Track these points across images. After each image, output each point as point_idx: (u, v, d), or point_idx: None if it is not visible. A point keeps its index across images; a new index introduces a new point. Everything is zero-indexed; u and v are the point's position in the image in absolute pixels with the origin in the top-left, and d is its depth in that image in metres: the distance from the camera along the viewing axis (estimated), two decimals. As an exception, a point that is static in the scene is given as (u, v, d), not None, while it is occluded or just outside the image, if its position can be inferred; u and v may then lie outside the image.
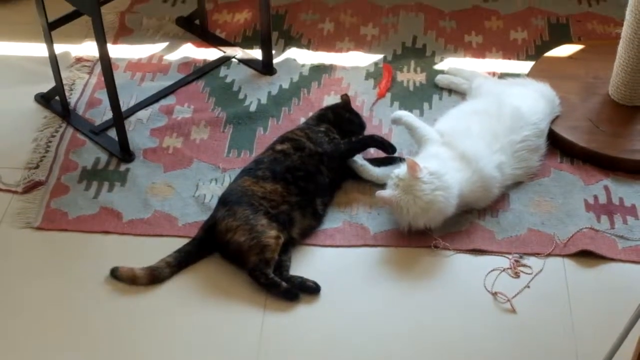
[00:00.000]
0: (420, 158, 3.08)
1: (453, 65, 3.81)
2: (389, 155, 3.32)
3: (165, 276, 2.95)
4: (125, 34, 4.10)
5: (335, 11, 4.19)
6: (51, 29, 3.37)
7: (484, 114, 3.26)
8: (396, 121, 3.36)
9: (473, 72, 3.70)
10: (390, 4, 4.23)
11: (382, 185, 3.13)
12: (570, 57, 3.76)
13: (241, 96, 3.70)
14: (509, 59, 3.89)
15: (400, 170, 3.04)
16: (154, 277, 2.93)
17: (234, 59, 3.91)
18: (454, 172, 3.04)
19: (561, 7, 4.17)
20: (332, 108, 3.44)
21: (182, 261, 2.97)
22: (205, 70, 3.84)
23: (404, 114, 3.33)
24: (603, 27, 4.05)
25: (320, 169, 3.15)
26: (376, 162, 3.31)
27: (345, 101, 3.44)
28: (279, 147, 3.22)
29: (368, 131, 3.43)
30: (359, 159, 3.27)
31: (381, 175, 3.22)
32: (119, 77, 3.65)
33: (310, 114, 3.49)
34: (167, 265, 2.95)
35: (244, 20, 4.15)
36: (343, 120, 3.38)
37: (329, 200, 3.18)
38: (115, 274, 2.93)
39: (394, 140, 3.39)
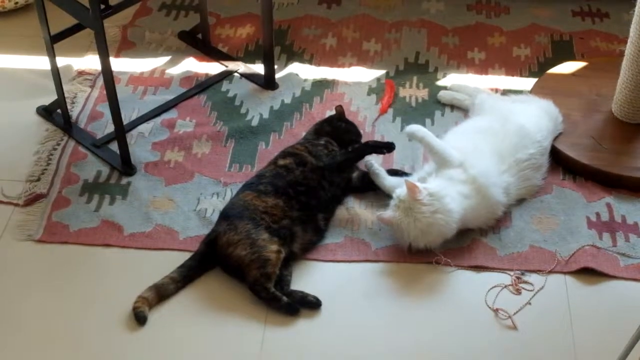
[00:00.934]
0: (433, 178, 3.08)
1: (455, 81, 3.81)
2: (398, 169, 3.34)
3: (171, 292, 2.94)
4: (127, 47, 4.10)
5: (337, 26, 4.20)
6: (53, 42, 3.38)
7: (489, 132, 3.24)
8: (411, 137, 3.27)
9: (476, 88, 3.69)
10: (393, 19, 4.23)
11: (388, 196, 3.13)
12: (573, 74, 3.75)
13: (243, 110, 3.70)
14: (512, 75, 3.89)
15: (402, 190, 3.03)
16: (161, 295, 2.92)
17: (236, 74, 3.91)
18: (456, 195, 3.02)
19: (564, 24, 4.17)
20: (327, 121, 3.45)
21: (186, 276, 2.96)
22: (207, 84, 3.84)
23: (422, 133, 3.19)
24: (606, 44, 4.05)
25: (322, 183, 3.15)
26: (389, 172, 3.30)
27: (339, 112, 3.44)
28: (281, 162, 3.21)
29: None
30: (376, 164, 3.27)
31: (392, 185, 3.19)
32: (121, 91, 3.64)
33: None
34: (172, 281, 2.94)
35: (247, 35, 4.16)
36: (340, 130, 3.38)
37: (330, 216, 3.18)
38: (140, 316, 2.85)
39: (397, 155, 3.41)
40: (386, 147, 3.31)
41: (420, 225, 2.97)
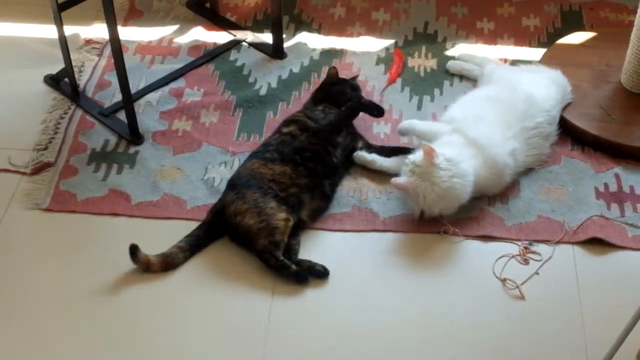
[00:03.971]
0: (435, 146, 3.06)
1: (464, 51, 3.79)
2: (400, 147, 3.31)
3: (179, 262, 2.94)
4: (135, 16, 4.09)
5: (346, -4, 4.19)
6: (61, 10, 3.36)
7: (497, 100, 3.24)
8: (404, 133, 3.32)
9: (485, 57, 3.68)
10: (402, -11, 4.22)
11: (395, 175, 3.11)
12: (583, 45, 3.74)
13: (251, 80, 3.69)
14: (521, 45, 3.87)
15: (416, 156, 3.02)
16: (168, 263, 2.92)
17: (244, 43, 3.90)
18: (469, 159, 3.02)
19: (574, -5, 4.16)
20: (319, 88, 3.45)
21: (193, 245, 2.97)
22: (216, 53, 3.83)
23: (409, 125, 3.27)
24: (616, 14, 4.03)
25: (328, 149, 3.15)
26: (386, 152, 3.29)
27: (331, 74, 3.45)
28: (285, 129, 3.22)
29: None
30: (366, 154, 3.24)
31: (392, 165, 3.20)
32: (129, 60, 3.63)
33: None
34: (180, 250, 2.94)
35: (255, 4, 4.14)
36: (332, 94, 3.37)
37: (337, 182, 3.18)
38: (134, 254, 2.87)
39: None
40: (377, 110, 3.31)
41: (438, 189, 2.96)
